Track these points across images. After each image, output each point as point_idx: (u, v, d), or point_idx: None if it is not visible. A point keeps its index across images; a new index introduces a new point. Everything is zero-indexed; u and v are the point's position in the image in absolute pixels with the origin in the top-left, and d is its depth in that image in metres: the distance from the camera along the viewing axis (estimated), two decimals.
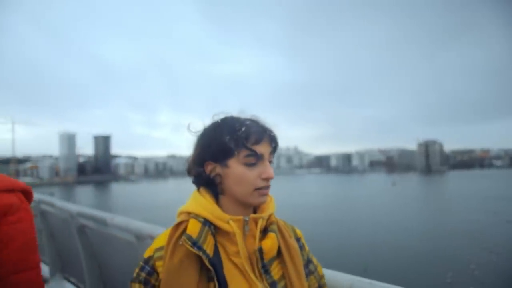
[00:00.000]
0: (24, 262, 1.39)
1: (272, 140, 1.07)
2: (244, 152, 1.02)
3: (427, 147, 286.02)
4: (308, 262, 1.17)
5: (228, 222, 1.01)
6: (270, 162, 1.07)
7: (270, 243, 1.03)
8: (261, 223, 1.05)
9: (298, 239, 1.18)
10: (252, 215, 1.05)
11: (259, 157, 1.03)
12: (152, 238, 2.14)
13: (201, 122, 1.11)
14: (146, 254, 1.04)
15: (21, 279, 1.35)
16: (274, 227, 1.08)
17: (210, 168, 1.06)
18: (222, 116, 1.09)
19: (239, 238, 1.00)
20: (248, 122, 1.05)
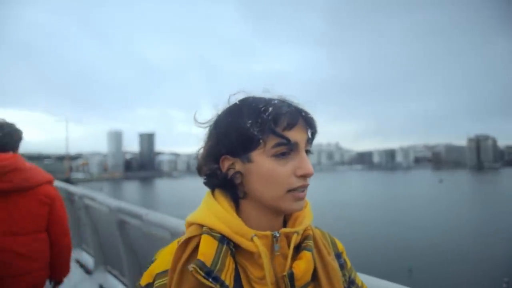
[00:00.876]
0: (66, 232, 2.17)
1: (309, 125, 0.80)
2: (272, 141, 0.75)
3: (478, 143, 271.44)
4: (350, 283, 0.92)
5: (251, 240, 0.76)
6: (307, 153, 0.81)
7: (304, 266, 0.78)
8: (295, 240, 0.80)
9: (338, 255, 0.92)
10: (284, 230, 0.80)
11: (292, 147, 0.76)
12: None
13: (215, 109, 0.85)
14: (144, 280, 0.79)
15: (66, 242, 2.15)
16: (311, 243, 0.82)
17: (228, 164, 0.80)
18: (241, 96, 0.83)
19: (265, 260, 0.75)
20: (276, 101, 0.79)
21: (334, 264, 0.84)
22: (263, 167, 0.76)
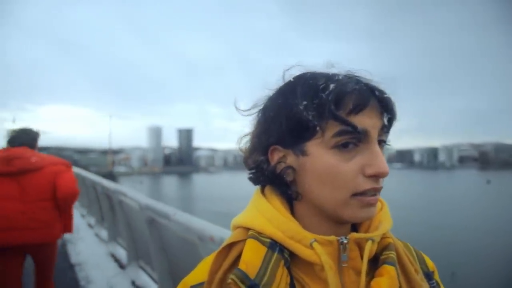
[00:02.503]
0: (74, 193, 2.75)
1: (385, 108, 0.59)
2: (333, 128, 0.56)
3: None
4: None
5: (311, 246, 0.57)
6: (381, 145, 0.60)
7: (386, 285, 0.57)
8: (370, 248, 0.59)
9: (429, 275, 0.69)
10: (354, 235, 0.59)
11: (361, 136, 0.56)
12: (213, 240, 1.90)
13: (266, 90, 0.66)
14: None
15: (65, 207, 2.77)
16: (393, 255, 0.61)
17: (278, 156, 0.62)
18: (298, 71, 0.63)
19: (330, 274, 0.56)
20: (341, 77, 0.59)
21: (424, 286, 0.63)
22: (320, 162, 0.57)
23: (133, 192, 4.39)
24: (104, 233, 6.31)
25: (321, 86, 0.57)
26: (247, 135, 0.68)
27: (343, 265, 0.59)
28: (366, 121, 0.56)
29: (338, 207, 0.58)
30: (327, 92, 0.56)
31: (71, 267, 4.89)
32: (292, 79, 0.62)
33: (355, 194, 0.57)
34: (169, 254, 3.19)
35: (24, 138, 2.78)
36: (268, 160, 0.63)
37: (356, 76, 0.60)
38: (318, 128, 0.57)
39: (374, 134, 0.57)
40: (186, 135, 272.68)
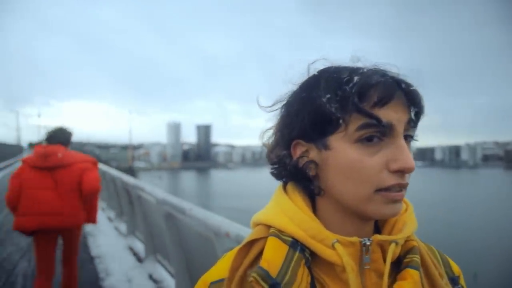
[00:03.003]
0: (96, 189, 3.11)
1: (412, 101, 0.56)
2: (356, 121, 0.54)
3: None
4: None
5: (333, 247, 0.56)
6: (408, 140, 0.58)
7: None
8: (393, 251, 0.58)
9: (454, 280, 0.66)
10: (377, 237, 0.58)
11: (385, 130, 0.54)
12: (229, 236, 1.88)
13: (289, 84, 0.64)
14: None
15: (90, 198, 3.15)
16: (417, 258, 0.59)
17: (300, 151, 0.60)
18: (322, 65, 0.61)
19: (351, 275, 0.55)
20: (365, 70, 0.56)
21: None
22: (343, 157, 0.55)
23: (151, 187, 4.43)
24: (123, 227, 6.41)
25: (345, 79, 0.55)
26: (269, 129, 0.66)
27: (365, 267, 0.57)
28: (391, 114, 0.54)
29: (361, 203, 0.56)
30: (351, 85, 0.54)
31: (91, 259, 4.98)
32: (316, 73, 0.61)
33: (379, 190, 0.55)
34: (186, 249, 3.20)
35: (59, 137, 3.18)
36: (290, 154, 0.61)
37: (382, 69, 0.58)
38: (341, 121, 0.55)
39: (399, 128, 0.55)
40: (204, 131, 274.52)
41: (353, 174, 0.55)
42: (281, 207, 0.61)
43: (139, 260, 4.84)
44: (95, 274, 4.47)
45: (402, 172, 0.55)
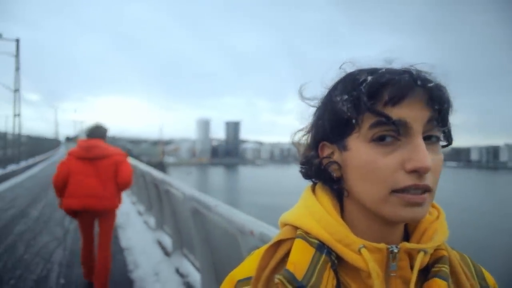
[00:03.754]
0: (128, 183, 3.61)
1: (433, 98, 0.54)
2: (369, 120, 0.54)
3: None
4: None
5: (359, 252, 0.55)
6: (432, 140, 0.55)
7: None
8: (421, 260, 0.56)
9: None
10: (406, 245, 0.56)
11: (399, 128, 0.53)
12: (253, 234, 1.87)
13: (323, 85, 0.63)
14: (225, 287, 0.62)
15: (123, 187, 3.62)
16: (446, 268, 0.57)
17: (327, 152, 0.61)
18: (349, 67, 0.61)
19: (377, 282, 0.53)
20: (383, 70, 0.56)
21: None
22: (359, 157, 0.55)
23: (179, 182, 4.49)
24: (151, 221, 6.54)
25: (360, 80, 0.55)
26: (301, 130, 0.67)
27: (391, 274, 0.56)
28: (406, 112, 0.53)
29: (378, 204, 0.54)
30: (363, 85, 0.54)
31: (121, 251, 5.12)
32: (341, 77, 0.61)
33: (395, 191, 0.53)
34: (212, 245, 3.22)
35: (98, 132, 3.72)
36: (318, 155, 0.62)
37: (406, 68, 0.56)
38: (354, 121, 0.55)
39: (416, 126, 0.53)
40: (233, 127, 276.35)
41: (368, 174, 0.54)
42: (308, 209, 0.61)
43: (167, 254, 4.93)
44: (124, 265, 4.59)
45: (417, 172, 0.52)
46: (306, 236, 0.58)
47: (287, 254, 0.58)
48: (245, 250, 2.03)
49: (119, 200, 3.71)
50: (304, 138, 0.66)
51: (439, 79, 0.56)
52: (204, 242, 3.31)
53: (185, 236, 4.39)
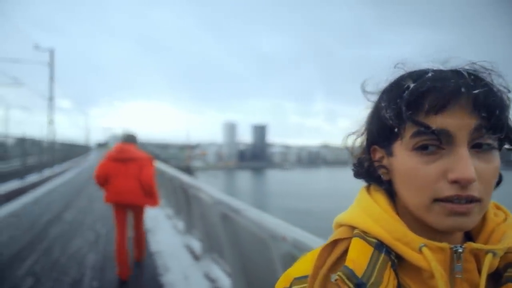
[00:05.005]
0: (150, 185, 4.20)
1: (477, 105, 0.51)
2: (411, 129, 0.53)
3: None
4: None
5: (420, 251, 0.53)
6: (484, 148, 0.52)
7: None
8: (490, 262, 0.52)
9: None
10: (471, 245, 0.53)
11: (441, 138, 0.51)
12: (285, 240, 1.80)
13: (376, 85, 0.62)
14: (280, 284, 0.61)
15: (148, 188, 4.21)
16: None
17: (378, 156, 0.61)
18: (412, 67, 0.57)
19: (440, 283, 0.50)
20: (430, 74, 0.53)
21: None
22: (402, 164, 0.55)
23: (207, 186, 4.48)
24: (180, 225, 6.57)
25: (404, 86, 0.54)
26: (353, 133, 0.67)
27: (457, 276, 0.53)
28: (448, 121, 0.51)
29: (421, 212, 0.54)
30: (405, 93, 0.53)
31: (150, 254, 5.16)
32: (393, 79, 0.59)
33: (437, 199, 0.52)
34: (242, 250, 3.17)
35: (130, 138, 4.47)
36: (370, 158, 0.63)
37: (458, 71, 0.53)
38: (396, 129, 0.55)
39: (460, 135, 0.51)
40: (260, 131, 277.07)
41: (411, 182, 0.54)
42: (364, 208, 0.61)
43: (196, 258, 4.93)
44: (154, 269, 4.61)
45: (458, 183, 0.50)
46: (364, 236, 0.57)
47: (343, 254, 0.57)
48: (277, 256, 1.96)
49: (147, 198, 4.30)
50: (357, 141, 0.66)
51: (498, 80, 0.53)
52: (234, 247, 3.26)
53: (215, 241, 4.37)
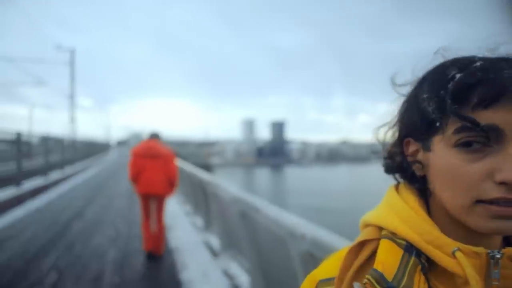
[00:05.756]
0: (174, 178, 5.00)
1: None
2: (454, 123, 0.48)
3: None
4: None
5: (453, 255, 0.49)
6: None
7: None
8: None
9: None
10: (510, 250, 0.49)
11: (489, 134, 0.46)
12: (304, 239, 1.75)
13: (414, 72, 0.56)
14: (305, 286, 0.58)
15: (171, 180, 4.95)
16: None
17: (412, 149, 0.56)
18: (454, 53, 0.52)
19: None
20: (478, 64, 0.48)
21: None
22: (442, 161, 0.50)
23: (226, 184, 4.47)
24: (199, 222, 6.60)
25: (449, 76, 0.49)
26: (384, 125, 0.62)
27: (494, 283, 0.49)
28: (499, 117, 0.46)
29: (461, 213, 0.49)
30: (451, 84, 0.48)
31: (169, 251, 5.20)
32: (433, 67, 0.54)
33: (479, 201, 0.47)
34: (260, 247, 3.14)
35: (154, 136, 5.03)
36: (402, 152, 0.57)
37: (510, 59, 0.48)
38: (438, 123, 0.50)
39: (511, 132, 0.46)
40: (278, 128, 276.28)
41: (450, 181, 0.49)
42: (393, 208, 0.56)
43: (214, 254, 4.93)
44: (173, 266, 4.64)
45: (507, 184, 0.45)
46: (393, 238, 0.53)
47: (371, 256, 0.54)
48: (296, 254, 1.92)
49: (170, 190, 4.96)
50: (388, 134, 0.61)
51: None
52: (253, 244, 3.24)
53: (233, 238, 4.35)
